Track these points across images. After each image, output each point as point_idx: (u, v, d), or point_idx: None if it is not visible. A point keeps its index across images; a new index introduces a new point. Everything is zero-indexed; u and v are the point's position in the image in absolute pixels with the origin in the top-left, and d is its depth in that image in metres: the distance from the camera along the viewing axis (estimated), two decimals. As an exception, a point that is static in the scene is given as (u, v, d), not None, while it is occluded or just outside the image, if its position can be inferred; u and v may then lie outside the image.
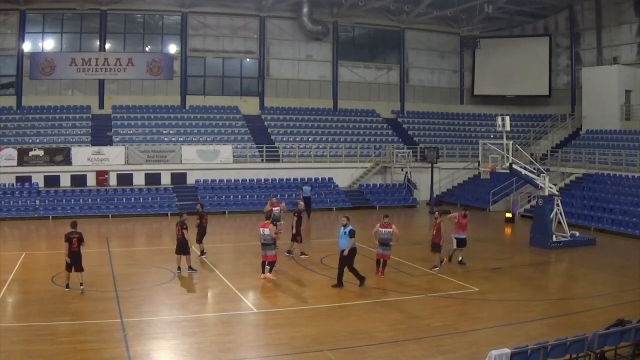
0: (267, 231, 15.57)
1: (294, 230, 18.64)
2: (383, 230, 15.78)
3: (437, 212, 18.27)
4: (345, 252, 14.84)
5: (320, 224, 27.79)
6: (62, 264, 14.97)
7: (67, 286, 14.36)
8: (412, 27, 40.36)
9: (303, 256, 18.67)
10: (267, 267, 15.99)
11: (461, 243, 17.89)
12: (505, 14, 38.90)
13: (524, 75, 39.05)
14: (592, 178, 29.03)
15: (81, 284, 14.37)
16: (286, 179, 32.77)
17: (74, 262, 14.34)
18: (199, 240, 18.53)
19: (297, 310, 13.24)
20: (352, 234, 14.84)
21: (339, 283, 15.01)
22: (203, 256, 18.51)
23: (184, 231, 16.22)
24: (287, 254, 18.60)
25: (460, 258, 17.94)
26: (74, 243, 14.35)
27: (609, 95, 33.21)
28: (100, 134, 32.52)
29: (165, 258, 18.64)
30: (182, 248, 16.35)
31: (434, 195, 32.47)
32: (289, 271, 16.53)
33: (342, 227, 15.09)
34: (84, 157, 30.34)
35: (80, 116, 33.76)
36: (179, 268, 16.48)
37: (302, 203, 20.52)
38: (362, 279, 15.07)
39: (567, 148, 34.05)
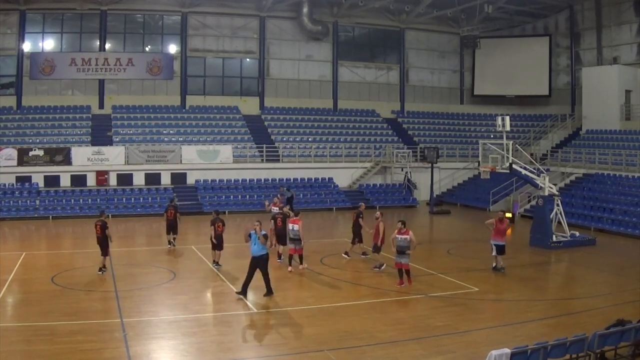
0: (296, 227, 16.36)
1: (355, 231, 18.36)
2: (400, 237, 14.97)
3: (378, 212, 17.67)
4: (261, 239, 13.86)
5: (321, 224, 27.77)
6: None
7: (100, 269, 16.11)
8: (412, 27, 40.36)
9: (364, 256, 18.50)
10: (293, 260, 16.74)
11: (500, 250, 16.74)
12: (505, 14, 38.89)
13: (524, 75, 39.04)
14: (592, 178, 29.02)
15: (104, 266, 16.18)
16: (286, 179, 32.74)
17: (100, 246, 16.21)
18: (174, 232, 20.13)
19: (297, 310, 13.22)
20: (267, 237, 14.25)
21: (270, 290, 14.12)
22: (173, 243, 20.12)
23: (223, 227, 17.13)
24: (344, 255, 18.45)
25: (500, 264, 16.79)
26: (97, 230, 16.19)
27: (609, 95, 33.19)
28: (100, 134, 32.52)
29: (166, 258, 18.66)
30: (219, 244, 17.11)
31: (434, 195, 32.46)
32: (289, 271, 16.54)
33: (254, 232, 13.93)
34: (84, 157, 30.34)
35: (80, 116, 33.76)
36: (215, 263, 17.20)
37: (363, 204, 19.91)
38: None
39: (567, 148, 34.03)
